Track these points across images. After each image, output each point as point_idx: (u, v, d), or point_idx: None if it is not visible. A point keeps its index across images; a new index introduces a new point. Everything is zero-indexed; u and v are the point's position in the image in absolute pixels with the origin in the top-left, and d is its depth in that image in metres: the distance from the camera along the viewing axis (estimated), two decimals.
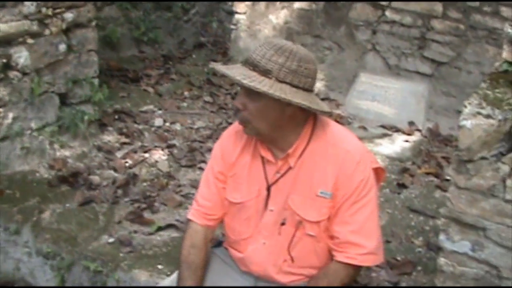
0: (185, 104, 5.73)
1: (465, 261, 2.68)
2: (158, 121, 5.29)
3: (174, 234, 3.87)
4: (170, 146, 4.90)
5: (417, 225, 4.08)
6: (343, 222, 2.50)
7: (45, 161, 4.46)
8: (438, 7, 5.54)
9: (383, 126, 5.49)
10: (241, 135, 2.62)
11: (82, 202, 4.11)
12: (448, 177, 4.34)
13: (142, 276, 3.51)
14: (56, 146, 4.54)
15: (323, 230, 2.54)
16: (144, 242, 3.79)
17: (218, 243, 2.88)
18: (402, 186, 4.51)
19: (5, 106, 4.19)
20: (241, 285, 2.71)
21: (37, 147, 4.43)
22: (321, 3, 6.09)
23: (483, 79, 2.80)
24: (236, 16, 6.64)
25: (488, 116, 2.48)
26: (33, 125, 4.38)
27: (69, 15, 4.42)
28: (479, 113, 2.49)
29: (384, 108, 5.66)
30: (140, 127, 5.18)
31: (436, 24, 5.57)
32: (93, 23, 4.67)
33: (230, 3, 6.94)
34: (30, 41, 4.21)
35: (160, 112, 5.50)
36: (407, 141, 5.25)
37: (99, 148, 4.75)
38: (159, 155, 4.76)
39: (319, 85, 5.80)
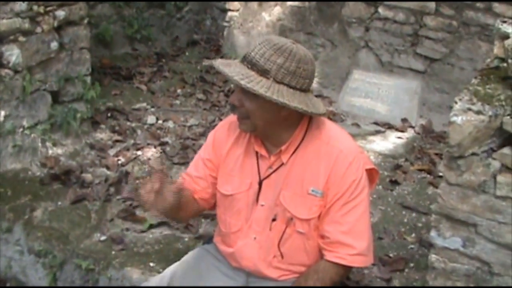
0: (178, 102, 5.71)
1: (456, 258, 2.68)
2: (150, 119, 5.28)
3: (166, 231, 3.87)
4: (162, 144, 4.89)
5: (410, 222, 4.08)
6: (334, 222, 2.50)
7: (37, 159, 4.45)
8: (431, 3, 5.54)
9: (376, 123, 5.49)
10: (235, 127, 2.64)
11: (74, 200, 4.11)
12: (441, 174, 4.34)
13: (134, 273, 3.50)
14: (48, 144, 4.53)
15: (313, 228, 2.54)
16: (136, 239, 3.79)
17: (209, 240, 2.88)
18: (394, 182, 4.51)
19: None
20: (233, 280, 2.72)
21: (29, 145, 4.42)
22: (314, 1, 6.08)
23: (474, 75, 2.80)
24: (229, 13, 6.64)
25: (478, 112, 2.48)
26: (25, 123, 4.37)
27: (60, 13, 4.41)
28: (469, 109, 2.49)
29: (377, 105, 5.66)
30: (133, 124, 5.16)
31: (429, 20, 5.57)
32: (85, 21, 4.66)
33: (223, 0, 6.92)
34: (21, 39, 4.20)
35: (152, 109, 5.49)
36: (400, 137, 5.25)
37: (92, 146, 4.74)
38: (151, 153, 4.76)
39: None
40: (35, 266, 3.81)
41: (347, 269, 2.57)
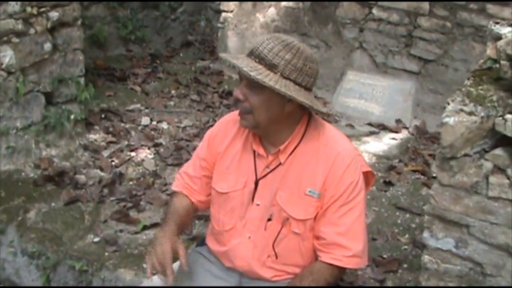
0: (172, 103, 5.71)
1: (449, 258, 2.68)
2: (144, 120, 5.28)
3: None
4: (156, 145, 4.89)
5: (403, 223, 4.08)
6: (330, 223, 2.49)
7: (31, 160, 4.45)
8: (425, 5, 5.54)
9: (370, 124, 5.50)
10: (233, 124, 2.65)
11: (68, 201, 4.11)
12: (435, 175, 4.34)
13: (127, 275, 3.51)
14: (41, 145, 4.52)
15: (308, 229, 2.54)
16: (130, 241, 3.78)
17: (202, 242, 2.88)
18: (388, 183, 4.51)
19: None
20: (225, 282, 2.71)
21: (22, 147, 4.41)
22: (308, 1, 6.08)
23: (468, 76, 2.80)
24: (223, 14, 6.62)
25: (471, 113, 2.48)
26: (18, 124, 4.36)
27: (54, 14, 4.41)
28: (462, 110, 2.50)
29: (371, 106, 5.67)
30: (127, 126, 5.16)
31: (423, 22, 5.57)
32: (79, 22, 4.66)
33: (217, 1, 6.92)
34: (15, 40, 4.19)
35: (147, 111, 5.49)
36: (394, 138, 5.26)
37: (85, 147, 4.74)
38: (145, 154, 4.76)
39: None
40: (29, 267, 3.81)
41: (342, 270, 2.56)
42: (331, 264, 2.50)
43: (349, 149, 2.55)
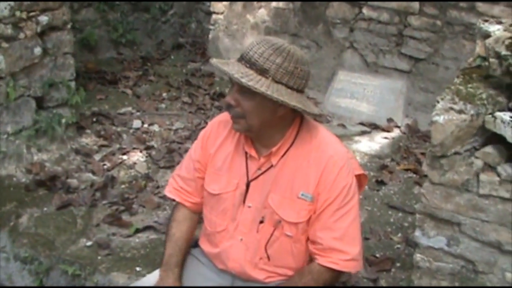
0: (163, 106, 5.71)
1: (441, 257, 2.69)
2: (136, 123, 5.28)
3: (153, 236, 3.86)
4: (148, 148, 4.88)
5: (396, 222, 4.08)
6: (326, 228, 2.49)
7: (22, 165, 4.43)
8: (415, 3, 5.56)
9: (362, 124, 5.51)
10: (224, 125, 2.64)
11: (60, 205, 4.09)
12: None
13: (120, 278, 3.49)
14: (33, 150, 4.51)
15: (301, 232, 2.53)
16: (122, 244, 3.77)
17: (195, 244, 2.87)
18: (381, 183, 4.52)
19: None
20: (218, 284, 2.71)
21: (13, 152, 4.40)
22: (298, 2, 6.09)
23: (457, 74, 2.81)
24: (214, 16, 6.63)
25: (460, 111, 2.49)
26: (9, 129, 4.34)
27: (43, 18, 4.39)
28: (451, 109, 2.50)
29: (362, 105, 5.67)
30: (118, 129, 5.16)
31: (413, 20, 5.59)
32: (69, 26, 4.64)
33: (208, 3, 6.93)
34: (4, 45, 4.18)
35: (138, 113, 5.49)
36: (386, 138, 5.27)
37: (77, 151, 4.73)
38: (137, 157, 4.75)
39: None
40: (22, 272, 3.79)
41: (339, 274, 2.56)
42: (329, 268, 2.50)
43: (341, 152, 2.54)
